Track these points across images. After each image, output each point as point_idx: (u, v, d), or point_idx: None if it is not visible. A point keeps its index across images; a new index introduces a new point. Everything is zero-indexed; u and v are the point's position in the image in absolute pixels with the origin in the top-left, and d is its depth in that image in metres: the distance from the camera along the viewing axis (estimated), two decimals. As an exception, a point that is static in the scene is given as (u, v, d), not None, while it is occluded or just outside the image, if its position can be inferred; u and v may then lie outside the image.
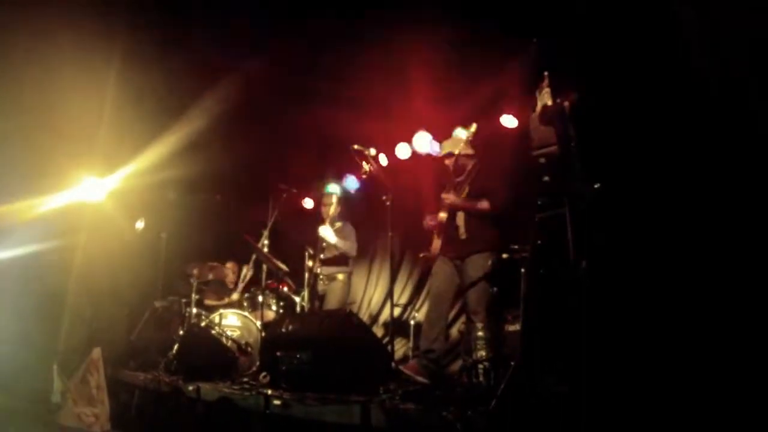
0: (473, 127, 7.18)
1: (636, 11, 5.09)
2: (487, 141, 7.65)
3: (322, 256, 9.20)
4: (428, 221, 7.23)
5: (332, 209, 9.34)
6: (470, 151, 7.32)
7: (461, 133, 7.51)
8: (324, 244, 9.22)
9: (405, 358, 9.07)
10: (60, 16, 8.74)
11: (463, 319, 7.54)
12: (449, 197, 7.07)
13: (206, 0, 9.27)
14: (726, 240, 3.99)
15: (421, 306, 10.33)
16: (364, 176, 10.04)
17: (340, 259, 9.32)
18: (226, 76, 9.78)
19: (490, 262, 6.83)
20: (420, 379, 6.57)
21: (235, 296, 10.39)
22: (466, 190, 7.18)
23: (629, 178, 4.71)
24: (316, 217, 9.77)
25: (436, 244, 7.11)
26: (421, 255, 7.55)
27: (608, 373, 3.83)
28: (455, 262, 7.07)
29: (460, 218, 7.07)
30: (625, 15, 5.18)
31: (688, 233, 4.19)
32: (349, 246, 9.27)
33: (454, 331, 8.92)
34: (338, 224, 9.44)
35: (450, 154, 7.30)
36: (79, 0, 8.69)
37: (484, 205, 6.97)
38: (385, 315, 10.98)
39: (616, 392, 3.76)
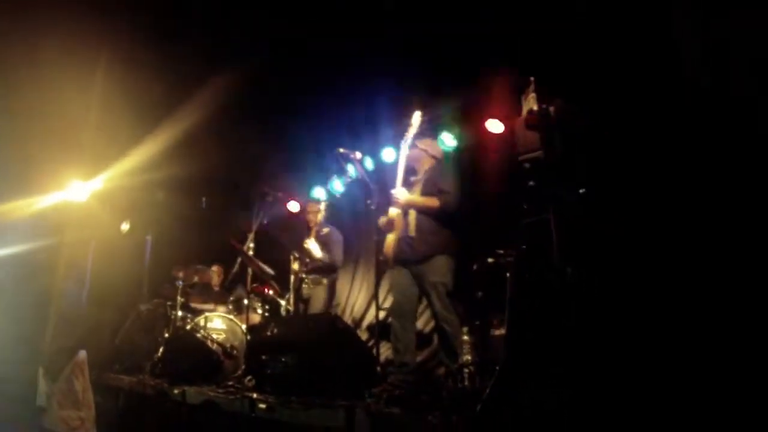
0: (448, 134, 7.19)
1: (623, 18, 5.12)
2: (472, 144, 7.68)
3: (308, 260, 9.20)
4: (381, 220, 7.18)
5: (320, 216, 9.33)
6: (434, 152, 7.32)
7: (447, 137, 7.52)
8: (309, 258, 9.22)
9: (389, 362, 9.07)
10: (47, 20, 8.72)
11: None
12: (398, 193, 6.94)
13: (194, 3, 9.25)
14: (712, 245, 4.02)
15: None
16: (349, 180, 10.08)
17: (326, 267, 9.32)
18: (213, 80, 9.77)
19: (450, 267, 6.72)
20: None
21: (220, 306, 10.37)
22: (420, 188, 7.09)
23: (614, 183, 4.75)
24: (302, 222, 9.77)
25: (389, 241, 6.98)
26: (381, 257, 7.46)
27: (593, 378, 3.85)
28: (411, 268, 6.92)
29: (411, 216, 6.89)
30: (611, 21, 5.22)
31: (674, 238, 4.22)
32: (334, 258, 9.27)
33: (437, 336, 8.92)
34: (326, 230, 9.43)
35: (419, 148, 7.25)
36: (67, 4, 8.67)
37: (433, 202, 6.82)
38: (368, 319, 10.97)
39: (600, 396, 3.77)
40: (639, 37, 5.02)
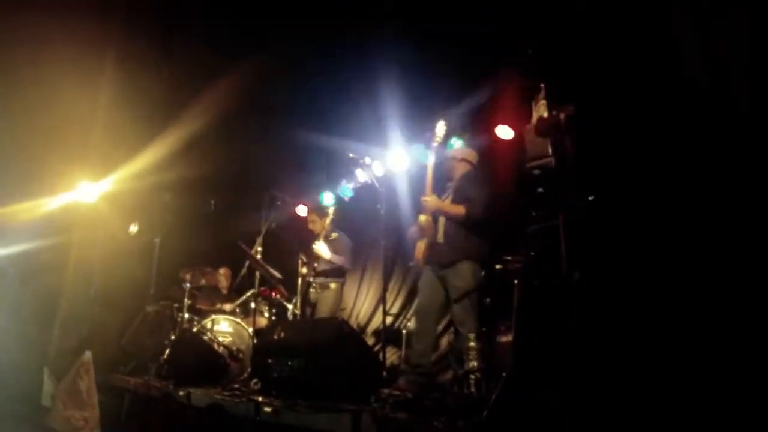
0: (458, 141, 7.29)
1: (632, 25, 5.11)
2: (482, 151, 7.72)
3: (316, 265, 9.19)
4: (411, 231, 7.33)
5: (327, 221, 9.33)
6: (468, 158, 7.40)
7: (457, 143, 7.59)
8: (318, 261, 9.22)
9: (395, 367, 9.06)
10: (55, 21, 8.74)
11: (453, 329, 7.51)
12: (428, 200, 7.06)
13: (203, 4, 9.26)
14: (721, 252, 4.01)
15: (413, 315, 10.32)
16: (358, 185, 10.08)
17: (334, 271, 9.31)
18: (221, 81, 9.77)
19: (475, 273, 6.82)
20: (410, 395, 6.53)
21: (227, 306, 10.35)
22: (451, 195, 7.20)
23: (623, 190, 4.73)
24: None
25: (419, 247, 7.12)
26: (411, 264, 7.56)
27: (599, 384, 3.84)
28: (439, 273, 7.02)
29: (441, 222, 7.04)
30: (621, 28, 5.20)
31: (683, 244, 4.20)
32: (344, 260, 9.27)
33: (444, 341, 8.91)
34: (334, 235, 9.44)
35: (447, 157, 7.42)
36: (73, 4, 8.68)
37: (459, 210, 6.93)
38: (374, 324, 10.96)
39: (607, 403, 3.76)
40: (639, 38, 5.01)
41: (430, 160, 7.23)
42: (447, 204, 7.10)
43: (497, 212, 7.00)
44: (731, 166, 4.24)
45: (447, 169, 7.43)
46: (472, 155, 7.49)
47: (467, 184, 7.15)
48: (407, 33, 8.44)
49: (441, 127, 7.19)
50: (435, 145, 7.20)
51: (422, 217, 7.06)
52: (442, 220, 7.04)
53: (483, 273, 6.81)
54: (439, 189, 7.31)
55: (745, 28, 4.47)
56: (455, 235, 6.93)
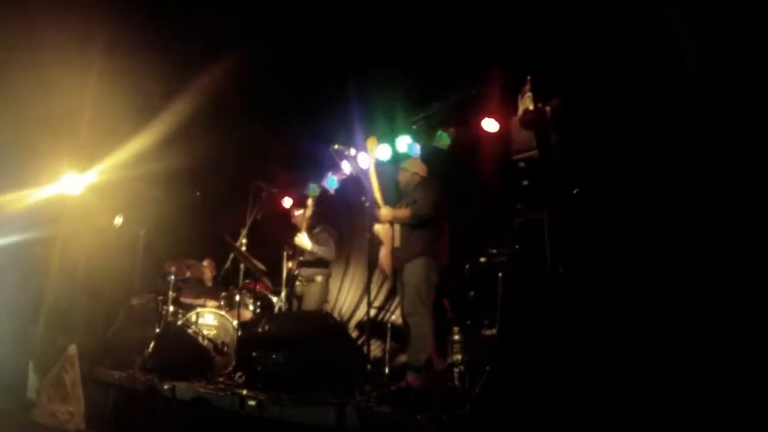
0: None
1: (621, 16, 5.10)
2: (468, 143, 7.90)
3: (301, 258, 9.18)
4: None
5: (308, 212, 9.33)
6: (419, 171, 7.83)
7: (410, 159, 7.99)
8: (303, 253, 9.22)
9: (378, 360, 9.05)
10: (42, 11, 8.68)
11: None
12: (381, 212, 7.49)
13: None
14: (708, 245, 4.00)
15: (396, 308, 10.30)
16: (343, 176, 10.09)
17: (319, 263, 9.30)
18: (206, 73, 9.73)
19: (427, 267, 7.12)
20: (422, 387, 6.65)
21: (212, 299, 10.31)
22: (404, 205, 7.57)
23: (609, 183, 4.73)
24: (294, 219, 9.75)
25: (382, 255, 7.48)
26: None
27: (582, 378, 3.83)
28: (398, 275, 7.40)
29: (397, 229, 7.43)
30: (609, 19, 5.19)
31: (669, 238, 4.20)
32: (326, 251, 9.26)
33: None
34: (317, 229, 9.42)
35: (402, 169, 7.92)
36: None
37: (405, 213, 7.38)
38: (358, 316, 10.96)
39: (590, 395, 3.76)
40: (638, 36, 4.99)
41: (372, 176, 7.64)
42: (396, 210, 7.52)
43: (445, 213, 7.44)
44: (726, 162, 4.23)
45: (403, 183, 7.89)
46: (422, 168, 7.91)
47: (416, 192, 7.56)
48: (393, 23, 8.40)
49: (372, 144, 7.86)
50: (371, 162, 7.81)
51: (378, 227, 7.49)
52: (397, 226, 7.44)
53: (467, 266, 6.87)
54: (395, 198, 7.90)
55: (745, 27, 4.46)
56: (409, 237, 7.33)
